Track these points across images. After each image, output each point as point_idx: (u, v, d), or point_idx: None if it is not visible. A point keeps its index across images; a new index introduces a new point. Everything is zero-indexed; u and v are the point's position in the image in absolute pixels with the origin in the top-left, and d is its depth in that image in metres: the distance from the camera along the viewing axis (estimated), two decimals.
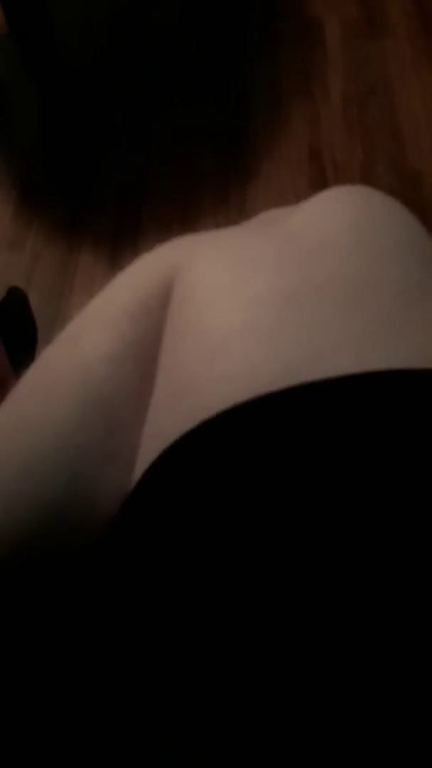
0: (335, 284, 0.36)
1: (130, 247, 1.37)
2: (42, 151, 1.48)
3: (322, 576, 0.27)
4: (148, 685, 0.27)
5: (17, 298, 1.18)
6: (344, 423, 0.30)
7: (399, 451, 0.29)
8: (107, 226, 1.43)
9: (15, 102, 1.60)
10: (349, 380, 0.31)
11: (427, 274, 0.38)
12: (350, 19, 1.66)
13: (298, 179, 1.45)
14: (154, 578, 0.30)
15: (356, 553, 0.27)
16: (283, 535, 0.28)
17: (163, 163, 1.51)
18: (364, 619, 0.25)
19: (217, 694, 0.26)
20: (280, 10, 1.70)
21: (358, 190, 0.44)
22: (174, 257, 0.42)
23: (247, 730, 0.24)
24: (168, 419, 0.35)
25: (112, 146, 1.54)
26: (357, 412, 0.30)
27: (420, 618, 0.25)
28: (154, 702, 0.27)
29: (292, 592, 0.27)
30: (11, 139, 1.57)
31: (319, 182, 1.43)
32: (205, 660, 0.26)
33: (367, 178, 1.42)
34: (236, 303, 0.36)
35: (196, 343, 0.36)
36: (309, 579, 0.27)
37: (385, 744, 0.23)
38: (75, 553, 0.34)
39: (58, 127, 1.45)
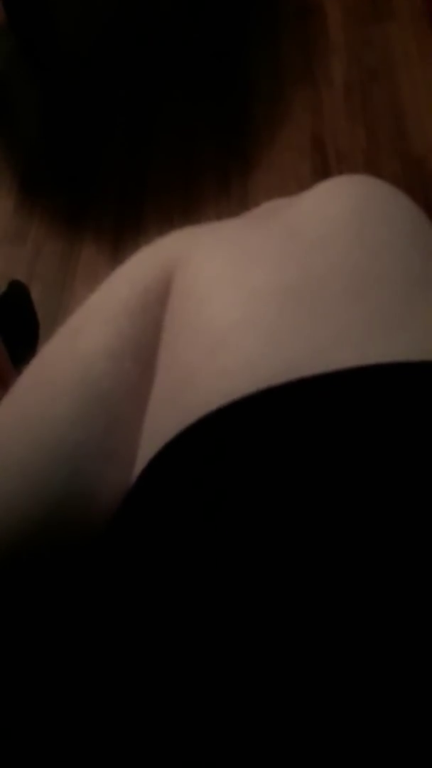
0: (336, 277, 0.35)
1: (132, 238, 1.36)
2: (43, 144, 1.48)
3: (322, 571, 0.26)
4: (150, 682, 0.27)
5: (19, 292, 1.18)
6: (345, 417, 0.30)
7: (401, 445, 0.29)
8: (109, 218, 1.43)
9: (15, 95, 1.60)
10: (350, 374, 0.31)
11: (430, 265, 0.37)
12: (352, 3, 1.64)
13: (300, 167, 1.44)
14: (154, 575, 0.30)
15: (358, 550, 0.27)
16: (284, 530, 0.28)
17: (164, 153, 1.50)
18: (364, 616, 0.25)
19: (217, 692, 0.25)
20: None
21: (359, 179, 0.43)
22: (173, 250, 0.42)
23: (247, 728, 0.24)
24: (168, 414, 0.35)
25: (113, 137, 1.53)
26: (358, 406, 0.30)
27: (419, 616, 0.25)
28: (155, 699, 0.27)
29: (292, 587, 0.26)
30: (12, 132, 1.56)
31: (322, 170, 1.42)
32: (205, 657, 0.26)
33: (370, 164, 1.41)
34: (236, 297, 0.36)
35: (195, 338, 0.36)
36: (310, 574, 0.26)
37: (385, 742, 0.23)
38: (75, 550, 0.34)
39: (59, 118, 1.45)
